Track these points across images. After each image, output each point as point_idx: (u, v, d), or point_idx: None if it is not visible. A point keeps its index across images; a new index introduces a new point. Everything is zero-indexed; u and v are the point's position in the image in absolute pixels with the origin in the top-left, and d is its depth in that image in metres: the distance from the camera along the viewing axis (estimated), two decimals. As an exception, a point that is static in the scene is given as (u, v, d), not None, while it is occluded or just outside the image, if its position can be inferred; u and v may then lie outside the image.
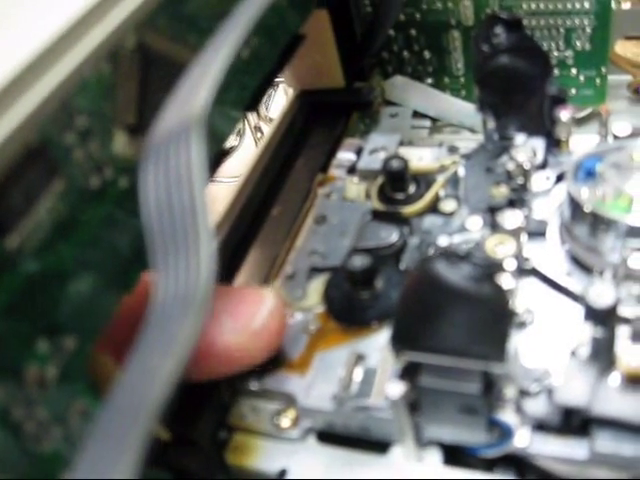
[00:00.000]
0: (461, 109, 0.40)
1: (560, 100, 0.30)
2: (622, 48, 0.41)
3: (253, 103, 0.29)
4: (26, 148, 0.18)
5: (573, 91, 0.40)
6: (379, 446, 0.26)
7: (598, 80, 0.39)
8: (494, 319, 0.22)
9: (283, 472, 0.27)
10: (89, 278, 0.20)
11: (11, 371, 0.18)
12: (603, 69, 0.39)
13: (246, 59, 0.28)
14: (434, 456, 0.26)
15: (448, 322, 0.22)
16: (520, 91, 0.31)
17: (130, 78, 0.21)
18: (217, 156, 0.26)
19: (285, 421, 0.27)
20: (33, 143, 0.18)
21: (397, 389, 0.23)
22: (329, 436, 0.27)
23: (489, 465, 0.25)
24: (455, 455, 0.26)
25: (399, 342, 0.23)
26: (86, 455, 0.15)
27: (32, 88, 0.17)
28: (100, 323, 0.21)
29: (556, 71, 0.39)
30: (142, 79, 0.21)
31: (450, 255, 0.22)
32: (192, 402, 0.27)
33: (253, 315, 0.25)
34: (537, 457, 0.24)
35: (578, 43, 0.38)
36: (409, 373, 0.23)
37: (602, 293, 0.23)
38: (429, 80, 0.41)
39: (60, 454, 0.20)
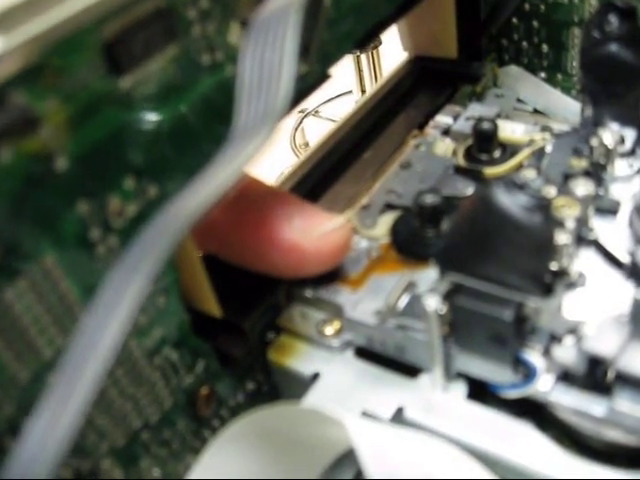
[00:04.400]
0: (570, 107, 0.41)
1: (658, 93, 0.31)
2: None
3: (363, 42, 0.31)
4: (155, 7, 0.21)
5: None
6: (410, 371, 0.28)
7: None
8: (538, 252, 0.23)
9: (316, 375, 0.28)
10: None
11: (98, 196, 0.21)
12: None
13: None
14: (459, 389, 0.27)
15: (494, 248, 0.23)
16: (622, 81, 0.31)
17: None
18: (321, 76, 0.29)
19: (329, 329, 0.29)
20: (162, 5, 0.21)
21: (434, 302, 0.24)
22: (366, 354, 0.29)
23: (510, 410, 0.26)
24: (479, 395, 0.27)
25: (445, 262, 0.25)
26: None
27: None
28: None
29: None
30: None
31: (509, 183, 0.23)
32: (251, 295, 0.30)
33: (323, 222, 0.27)
34: (556, 406, 0.25)
35: None
36: (450, 295, 0.25)
37: (652, 255, 0.24)
38: (542, 74, 0.42)
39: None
